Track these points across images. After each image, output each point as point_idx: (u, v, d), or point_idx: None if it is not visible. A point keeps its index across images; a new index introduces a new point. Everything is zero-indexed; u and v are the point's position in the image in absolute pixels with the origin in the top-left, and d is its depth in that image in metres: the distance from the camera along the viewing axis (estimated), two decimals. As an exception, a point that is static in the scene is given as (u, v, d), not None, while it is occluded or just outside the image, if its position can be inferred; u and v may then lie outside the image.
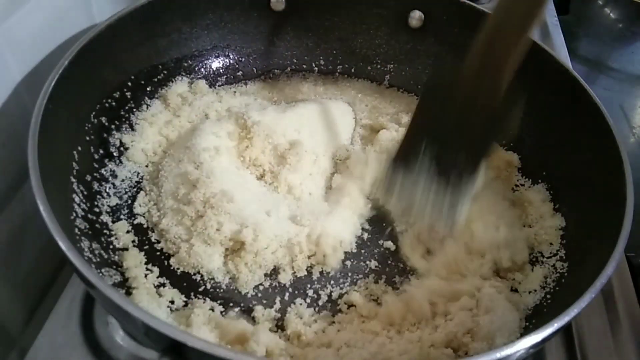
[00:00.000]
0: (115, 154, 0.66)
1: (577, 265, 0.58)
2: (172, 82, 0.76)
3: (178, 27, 0.74)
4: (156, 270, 0.58)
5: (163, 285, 0.57)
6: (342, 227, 0.64)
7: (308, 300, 0.59)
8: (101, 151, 0.64)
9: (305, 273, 0.61)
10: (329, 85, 0.84)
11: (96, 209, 0.60)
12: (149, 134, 0.69)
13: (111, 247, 0.58)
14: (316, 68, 0.85)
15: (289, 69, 0.85)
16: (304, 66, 0.85)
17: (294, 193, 0.66)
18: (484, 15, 0.76)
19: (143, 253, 0.59)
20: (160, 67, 0.74)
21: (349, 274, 0.61)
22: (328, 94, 0.83)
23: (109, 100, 0.66)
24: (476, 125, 0.53)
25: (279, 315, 0.57)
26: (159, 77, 0.74)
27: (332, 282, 0.60)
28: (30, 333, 0.63)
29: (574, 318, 0.45)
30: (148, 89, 0.73)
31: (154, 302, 0.55)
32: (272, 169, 0.67)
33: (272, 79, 0.84)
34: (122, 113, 0.69)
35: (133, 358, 0.55)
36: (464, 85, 0.52)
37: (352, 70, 0.85)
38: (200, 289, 0.58)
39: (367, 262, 0.63)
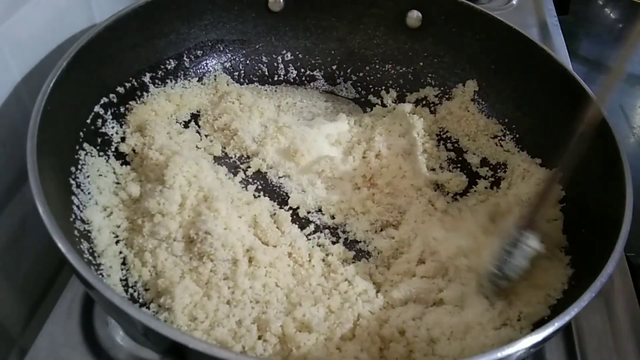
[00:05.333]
0: (115, 156, 0.66)
1: (577, 265, 0.58)
2: (171, 83, 0.76)
3: (176, 27, 0.74)
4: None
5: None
6: None
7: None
8: (100, 153, 0.64)
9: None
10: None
11: (96, 210, 0.60)
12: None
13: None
14: (316, 69, 0.85)
15: (288, 69, 0.85)
16: (302, 67, 0.85)
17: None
18: (482, 15, 0.76)
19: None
20: (159, 67, 0.74)
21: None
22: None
23: (108, 101, 0.66)
24: None
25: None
26: (157, 77, 0.74)
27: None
28: (30, 333, 0.63)
29: (574, 318, 0.45)
30: (147, 89, 0.73)
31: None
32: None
33: (271, 79, 0.84)
34: (121, 114, 0.69)
35: (133, 358, 0.55)
36: None
37: (350, 70, 0.86)
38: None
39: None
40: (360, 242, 0.66)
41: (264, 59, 0.83)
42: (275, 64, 0.84)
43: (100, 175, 0.62)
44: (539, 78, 0.73)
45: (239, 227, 0.59)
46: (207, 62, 0.80)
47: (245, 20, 0.80)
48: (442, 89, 0.83)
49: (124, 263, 0.57)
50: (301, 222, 0.67)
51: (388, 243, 0.64)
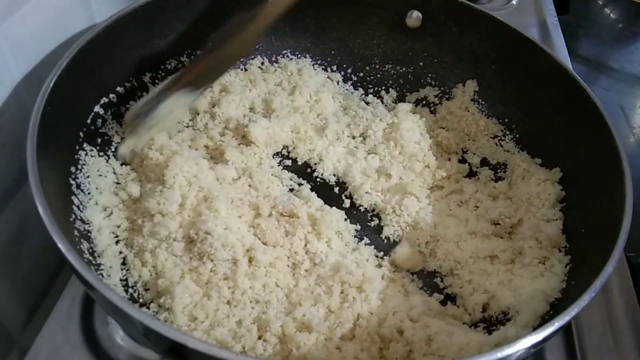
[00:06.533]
0: (115, 156, 0.66)
1: (577, 265, 0.58)
2: (172, 82, 0.76)
3: (176, 27, 0.74)
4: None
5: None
6: None
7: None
8: (100, 153, 0.64)
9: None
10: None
11: (96, 210, 0.60)
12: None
13: (111, 248, 0.58)
14: (316, 70, 0.85)
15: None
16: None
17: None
18: (482, 14, 0.76)
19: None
20: (159, 68, 0.74)
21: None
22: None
23: (108, 102, 0.66)
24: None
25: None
26: (157, 78, 0.74)
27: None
28: (30, 333, 0.63)
29: (574, 317, 0.45)
30: (147, 89, 0.72)
31: (154, 303, 0.55)
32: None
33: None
34: (121, 114, 0.68)
35: (133, 358, 0.55)
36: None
37: (350, 70, 0.85)
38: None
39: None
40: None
41: (264, 59, 0.83)
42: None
43: (100, 175, 0.62)
44: (539, 78, 0.73)
45: (239, 227, 0.59)
46: (207, 62, 0.80)
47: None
48: (442, 89, 0.83)
49: (124, 263, 0.57)
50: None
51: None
